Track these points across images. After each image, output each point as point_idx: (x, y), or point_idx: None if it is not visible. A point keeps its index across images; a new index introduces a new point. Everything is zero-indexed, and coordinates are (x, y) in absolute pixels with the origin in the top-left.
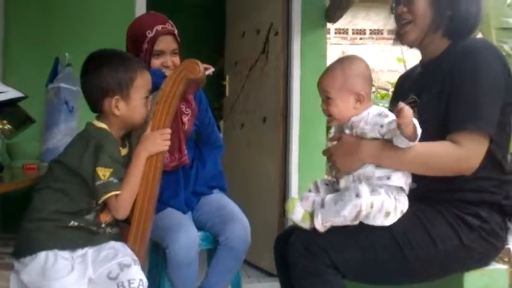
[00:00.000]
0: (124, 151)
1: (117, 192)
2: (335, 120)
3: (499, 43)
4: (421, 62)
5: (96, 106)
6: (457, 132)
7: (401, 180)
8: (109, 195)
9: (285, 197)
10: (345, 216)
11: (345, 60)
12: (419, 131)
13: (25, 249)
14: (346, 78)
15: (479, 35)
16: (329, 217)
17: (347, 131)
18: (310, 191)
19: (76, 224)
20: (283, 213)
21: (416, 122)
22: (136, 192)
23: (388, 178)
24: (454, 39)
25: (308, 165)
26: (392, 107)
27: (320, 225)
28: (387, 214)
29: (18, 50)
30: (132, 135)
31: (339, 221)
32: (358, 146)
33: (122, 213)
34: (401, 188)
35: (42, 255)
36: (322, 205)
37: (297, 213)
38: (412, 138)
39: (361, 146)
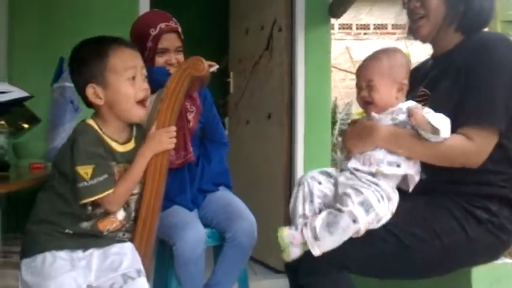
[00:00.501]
0: (128, 145)
1: (104, 194)
2: (375, 108)
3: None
4: (432, 55)
5: (86, 102)
6: (470, 127)
7: (412, 170)
8: (94, 198)
9: (290, 193)
10: (344, 240)
11: (389, 50)
12: (438, 124)
13: (27, 250)
14: (392, 66)
15: (486, 29)
16: (327, 247)
17: (383, 121)
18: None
19: (71, 232)
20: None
21: (432, 117)
22: (132, 190)
23: (398, 166)
24: (466, 34)
25: (313, 161)
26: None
27: (318, 253)
28: (378, 221)
29: (24, 50)
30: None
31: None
32: (372, 129)
33: (115, 208)
34: (402, 177)
35: (40, 256)
36: (315, 237)
37: (294, 255)
38: (434, 132)
39: (375, 129)
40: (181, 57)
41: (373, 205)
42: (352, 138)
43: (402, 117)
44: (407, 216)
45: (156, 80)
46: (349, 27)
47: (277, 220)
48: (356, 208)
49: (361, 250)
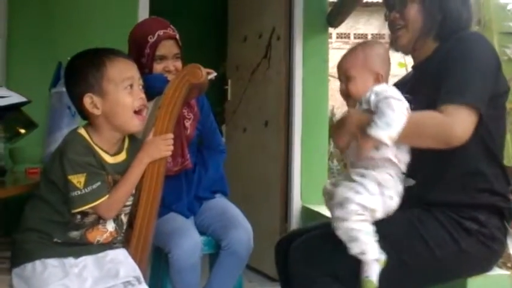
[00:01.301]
0: (119, 157)
1: (99, 202)
2: (352, 100)
3: (501, 47)
4: (412, 67)
5: (82, 113)
6: (444, 105)
7: (389, 151)
8: (89, 206)
9: (287, 201)
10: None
11: (365, 43)
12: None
13: (16, 259)
14: (367, 57)
15: None
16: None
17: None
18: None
19: (60, 241)
20: (285, 217)
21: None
22: (128, 196)
23: (377, 149)
24: (444, 40)
25: (310, 170)
26: None
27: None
28: (374, 210)
29: (21, 55)
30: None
31: None
32: (346, 118)
33: (111, 214)
34: (390, 164)
35: (29, 265)
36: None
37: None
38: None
39: (348, 116)
40: (179, 64)
41: (349, 197)
42: (333, 133)
43: (365, 106)
44: (400, 228)
45: (154, 87)
46: (347, 36)
47: (274, 228)
48: (334, 213)
49: (353, 260)
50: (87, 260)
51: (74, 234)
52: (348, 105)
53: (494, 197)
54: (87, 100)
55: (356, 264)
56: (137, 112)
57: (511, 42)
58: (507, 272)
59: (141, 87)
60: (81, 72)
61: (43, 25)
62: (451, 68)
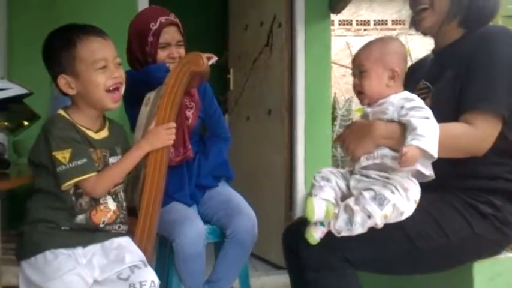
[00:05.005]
0: (102, 133)
1: (84, 177)
2: (366, 98)
3: None
4: (433, 50)
5: (61, 92)
6: (471, 113)
7: (419, 164)
8: (74, 181)
9: (291, 189)
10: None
11: (384, 38)
12: (433, 150)
13: (25, 252)
14: (383, 52)
15: None
16: (343, 232)
17: (370, 114)
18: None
19: (68, 228)
20: (289, 205)
21: (426, 144)
22: (119, 179)
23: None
24: (469, 29)
25: (314, 157)
26: None
27: (335, 231)
28: (402, 214)
29: (23, 46)
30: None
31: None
32: (370, 127)
33: (99, 193)
34: (411, 175)
35: (40, 256)
36: (338, 232)
37: (319, 208)
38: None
39: (373, 126)
40: (182, 51)
41: (387, 197)
42: (352, 140)
43: (391, 110)
44: (414, 213)
45: (156, 77)
46: (349, 23)
47: (278, 216)
48: (368, 203)
49: (367, 246)
50: (94, 249)
51: (80, 218)
52: (360, 101)
53: (510, 183)
54: (61, 81)
55: (368, 251)
56: (110, 91)
57: None
58: None
59: (117, 65)
60: (54, 54)
61: (43, 17)
62: (476, 70)
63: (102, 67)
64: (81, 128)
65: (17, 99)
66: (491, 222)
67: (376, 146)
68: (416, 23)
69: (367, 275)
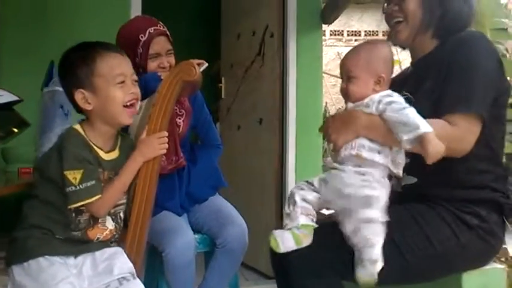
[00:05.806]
0: (112, 154)
1: (92, 200)
2: (352, 99)
3: (494, 44)
4: (411, 63)
5: (76, 107)
6: (450, 114)
7: (387, 159)
8: (82, 203)
9: (282, 199)
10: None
11: (370, 42)
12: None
13: (17, 257)
14: (370, 59)
15: None
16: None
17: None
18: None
19: (62, 238)
20: (280, 215)
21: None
22: (121, 195)
23: (379, 153)
24: (443, 39)
25: (304, 167)
26: None
27: None
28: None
29: (13, 54)
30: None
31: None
32: (354, 117)
33: (102, 213)
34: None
35: (33, 262)
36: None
37: (287, 240)
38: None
39: (356, 117)
40: (172, 59)
41: (378, 196)
42: (334, 130)
43: (371, 105)
44: (401, 223)
45: (149, 87)
46: (340, 33)
47: (269, 225)
48: (360, 214)
49: (349, 254)
50: (85, 259)
51: (75, 232)
52: (346, 101)
53: (495, 193)
54: (79, 95)
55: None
56: (127, 106)
57: (504, 38)
58: (501, 266)
59: (134, 81)
60: (72, 68)
61: (35, 24)
62: (454, 74)
63: (121, 82)
64: (94, 147)
65: (7, 106)
66: (477, 233)
67: (357, 135)
68: (392, 37)
69: (353, 285)
